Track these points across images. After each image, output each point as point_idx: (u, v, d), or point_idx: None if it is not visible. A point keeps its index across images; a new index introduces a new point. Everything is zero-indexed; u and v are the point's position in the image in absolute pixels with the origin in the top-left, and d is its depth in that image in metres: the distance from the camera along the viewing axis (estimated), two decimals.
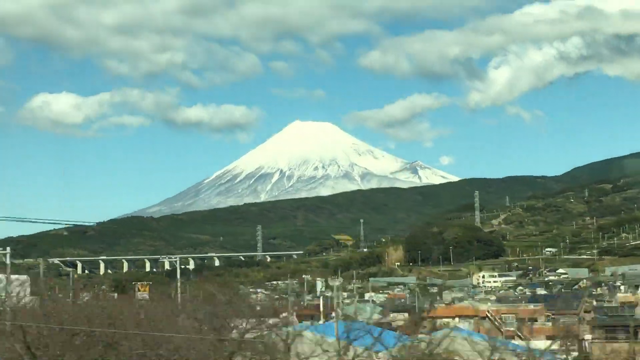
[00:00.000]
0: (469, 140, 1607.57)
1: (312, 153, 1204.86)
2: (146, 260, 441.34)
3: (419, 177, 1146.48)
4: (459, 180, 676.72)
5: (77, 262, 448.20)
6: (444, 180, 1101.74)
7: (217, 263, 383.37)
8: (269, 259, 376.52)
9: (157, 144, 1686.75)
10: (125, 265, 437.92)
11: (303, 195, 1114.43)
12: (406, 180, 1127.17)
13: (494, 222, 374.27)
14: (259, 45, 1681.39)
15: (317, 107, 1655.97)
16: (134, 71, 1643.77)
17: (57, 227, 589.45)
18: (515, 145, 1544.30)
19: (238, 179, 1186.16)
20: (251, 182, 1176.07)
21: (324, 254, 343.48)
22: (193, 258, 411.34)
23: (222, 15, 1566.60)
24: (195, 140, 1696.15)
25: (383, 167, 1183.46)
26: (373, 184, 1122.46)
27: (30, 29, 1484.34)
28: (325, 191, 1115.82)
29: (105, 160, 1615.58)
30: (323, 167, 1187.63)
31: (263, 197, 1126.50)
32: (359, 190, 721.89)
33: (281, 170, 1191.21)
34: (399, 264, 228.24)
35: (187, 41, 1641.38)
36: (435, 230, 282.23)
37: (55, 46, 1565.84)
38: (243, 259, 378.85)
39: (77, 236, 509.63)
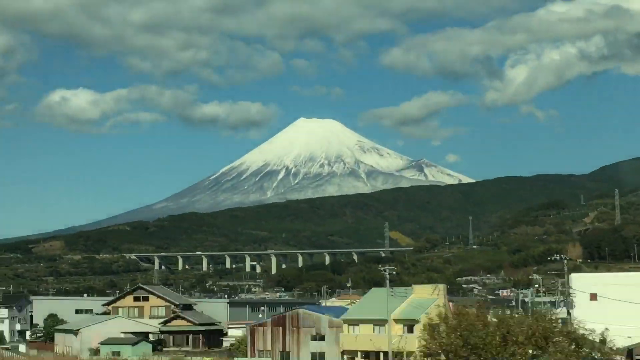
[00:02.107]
0: (481, 139, 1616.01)
1: (318, 150, 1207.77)
2: (226, 257, 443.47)
3: (425, 175, 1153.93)
4: (494, 179, 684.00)
5: (155, 257, 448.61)
6: (450, 178, 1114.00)
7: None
8: (382, 255, 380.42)
9: (168, 140, 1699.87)
10: (205, 261, 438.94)
11: (309, 192, 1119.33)
12: (412, 178, 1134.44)
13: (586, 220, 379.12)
14: (283, 44, 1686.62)
15: (332, 105, 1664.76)
16: (156, 69, 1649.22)
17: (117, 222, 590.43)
18: (528, 144, 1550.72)
19: (244, 176, 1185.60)
20: (257, 179, 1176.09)
21: (435, 250, 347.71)
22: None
23: (250, 14, 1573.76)
24: (205, 137, 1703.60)
25: (389, 165, 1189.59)
26: (379, 182, 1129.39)
27: (58, 26, 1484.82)
28: (332, 189, 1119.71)
29: (114, 156, 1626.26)
30: (329, 164, 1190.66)
31: (269, 194, 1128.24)
32: (400, 187, 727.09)
33: (287, 168, 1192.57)
34: (580, 260, 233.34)
35: (212, 39, 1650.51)
36: (608, 228, 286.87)
37: (80, 43, 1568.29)
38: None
39: (139, 232, 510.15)
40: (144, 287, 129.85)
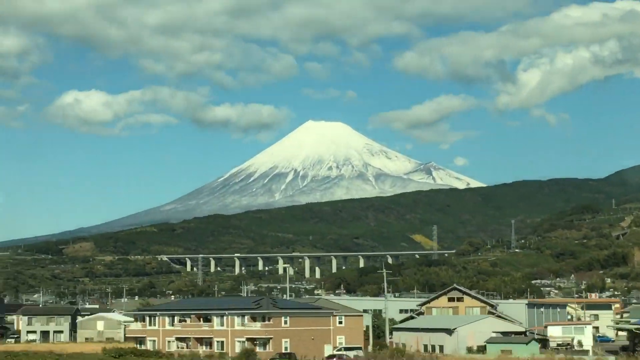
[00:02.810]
0: (491, 143, 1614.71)
1: (326, 153, 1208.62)
2: (259, 259, 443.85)
3: (433, 178, 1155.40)
4: (512, 183, 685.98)
5: (187, 259, 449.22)
6: (458, 182, 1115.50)
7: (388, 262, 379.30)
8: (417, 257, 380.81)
9: (177, 142, 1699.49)
10: (237, 263, 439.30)
11: (318, 195, 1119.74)
12: (420, 181, 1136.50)
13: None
14: (297, 47, 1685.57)
15: (344, 108, 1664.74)
16: (169, 71, 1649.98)
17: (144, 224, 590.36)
18: (539, 148, 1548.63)
19: (252, 178, 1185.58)
20: (265, 181, 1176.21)
21: (479, 253, 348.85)
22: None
23: (265, 17, 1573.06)
24: (215, 139, 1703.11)
25: (397, 168, 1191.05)
26: (387, 185, 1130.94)
27: (73, 27, 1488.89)
28: (340, 191, 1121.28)
29: (123, 157, 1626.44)
30: (337, 167, 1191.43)
31: (277, 197, 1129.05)
32: (420, 191, 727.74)
33: (295, 170, 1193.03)
34: None
35: (226, 42, 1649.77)
36: None
37: (95, 45, 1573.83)
38: (418, 257, 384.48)
39: (166, 233, 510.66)
40: (459, 288, 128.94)
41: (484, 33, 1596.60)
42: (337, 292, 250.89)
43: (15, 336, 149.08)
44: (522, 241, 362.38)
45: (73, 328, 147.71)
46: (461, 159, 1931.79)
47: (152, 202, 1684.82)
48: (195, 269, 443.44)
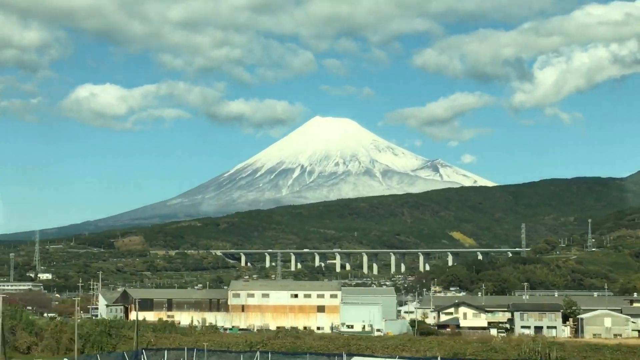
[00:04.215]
0: (503, 140, 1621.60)
1: (333, 149, 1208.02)
2: (316, 254, 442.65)
3: (440, 175, 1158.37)
4: (540, 181, 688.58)
5: (241, 254, 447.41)
6: (465, 179, 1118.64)
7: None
8: (509, 255, 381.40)
9: (188, 137, 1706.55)
10: (293, 258, 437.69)
11: (325, 191, 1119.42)
12: (427, 178, 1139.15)
13: None
14: (317, 43, 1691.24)
15: (359, 105, 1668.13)
16: (188, 66, 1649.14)
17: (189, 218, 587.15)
18: (548, 147, 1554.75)
19: (259, 173, 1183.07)
20: (272, 176, 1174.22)
21: (557, 252, 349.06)
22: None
23: (288, 13, 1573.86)
24: (224, 134, 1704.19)
25: (404, 165, 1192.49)
26: (394, 181, 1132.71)
27: (95, 22, 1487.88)
28: (347, 187, 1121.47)
29: (132, 152, 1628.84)
30: (344, 163, 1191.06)
31: (284, 192, 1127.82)
32: (450, 188, 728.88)
33: (302, 166, 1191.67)
34: None
35: (247, 37, 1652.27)
36: None
37: (116, 40, 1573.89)
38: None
39: (210, 228, 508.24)
40: None
41: (504, 31, 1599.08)
42: (451, 289, 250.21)
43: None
44: (600, 240, 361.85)
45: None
46: (469, 156, 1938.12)
47: (159, 196, 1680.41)
48: (249, 263, 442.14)
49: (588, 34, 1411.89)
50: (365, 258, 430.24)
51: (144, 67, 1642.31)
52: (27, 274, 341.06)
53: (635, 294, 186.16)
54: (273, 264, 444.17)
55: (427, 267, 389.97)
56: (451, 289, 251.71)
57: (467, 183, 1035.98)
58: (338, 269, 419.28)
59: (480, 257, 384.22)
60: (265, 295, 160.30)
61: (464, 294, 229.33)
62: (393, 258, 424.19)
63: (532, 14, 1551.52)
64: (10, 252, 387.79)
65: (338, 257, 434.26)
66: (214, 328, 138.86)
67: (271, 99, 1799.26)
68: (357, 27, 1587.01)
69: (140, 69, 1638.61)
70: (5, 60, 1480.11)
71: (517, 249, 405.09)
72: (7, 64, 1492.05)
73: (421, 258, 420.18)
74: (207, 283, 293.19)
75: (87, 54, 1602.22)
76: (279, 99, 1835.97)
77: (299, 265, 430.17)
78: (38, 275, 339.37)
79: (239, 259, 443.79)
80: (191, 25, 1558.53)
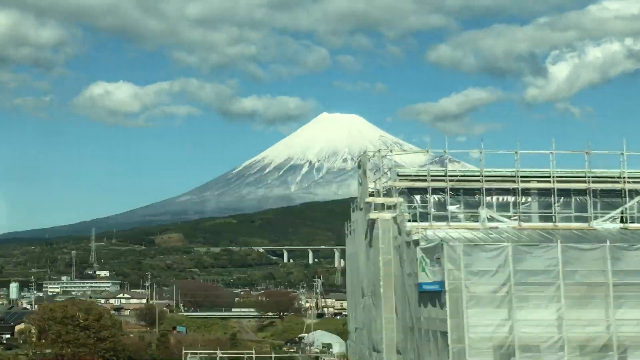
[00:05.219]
0: (513, 135, 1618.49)
1: (340, 145, 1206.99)
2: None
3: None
4: None
5: (284, 251, 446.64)
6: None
7: None
8: None
9: (198, 133, 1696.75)
10: (337, 255, 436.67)
11: (334, 187, 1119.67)
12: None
13: None
14: (332, 40, 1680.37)
15: (369, 100, 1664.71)
16: (202, 63, 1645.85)
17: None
18: (559, 141, 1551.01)
19: (267, 170, 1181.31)
20: (280, 173, 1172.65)
21: None
22: None
23: (304, 9, 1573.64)
24: (234, 131, 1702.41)
25: (411, 161, 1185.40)
26: None
27: (111, 19, 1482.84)
28: (356, 183, 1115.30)
29: (144, 148, 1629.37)
30: (352, 159, 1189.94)
31: (293, 189, 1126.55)
32: None
33: (310, 162, 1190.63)
34: None
35: (263, 34, 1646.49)
36: None
37: (131, 37, 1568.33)
38: None
39: (246, 225, 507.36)
40: None
41: (519, 26, 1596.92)
42: None
43: None
44: None
45: None
46: (477, 151, 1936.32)
47: (167, 193, 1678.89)
48: (291, 260, 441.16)
49: (603, 29, 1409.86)
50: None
51: (158, 65, 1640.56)
52: (85, 272, 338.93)
53: None
54: (316, 260, 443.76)
55: None
56: None
57: None
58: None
59: None
60: None
61: None
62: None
63: (548, 9, 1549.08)
64: (62, 249, 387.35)
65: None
66: None
67: (283, 95, 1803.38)
68: (373, 23, 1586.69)
69: (154, 66, 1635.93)
70: (21, 59, 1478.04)
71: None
72: (22, 62, 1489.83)
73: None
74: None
75: (102, 52, 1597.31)
76: (292, 95, 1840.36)
77: (342, 262, 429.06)
78: (96, 273, 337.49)
79: (281, 256, 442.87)
80: (208, 22, 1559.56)
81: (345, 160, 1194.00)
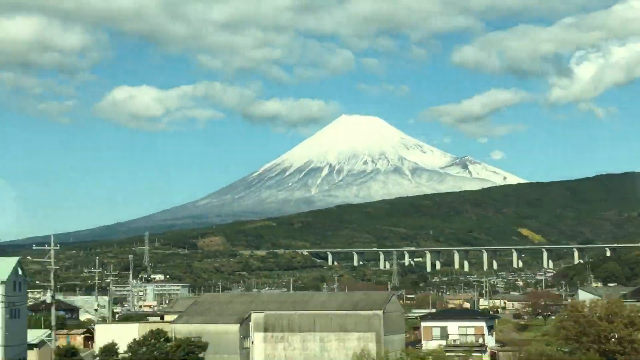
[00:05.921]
0: (536, 136, 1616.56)
1: (360, 147, 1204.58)
2: (405, 253, 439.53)
3: (469, 172, 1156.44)
4: (595, 176, 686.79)
5: (328, 253, 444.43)
6: (495, 176, 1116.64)
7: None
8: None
9: (219, 136, 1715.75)
10: (382, 257, 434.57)
11: (354, 189, 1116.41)
12: (457, 175, 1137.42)
13: None
14: (357, 42, 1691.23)
15: (393, 102, 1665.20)
16: (226, 66, 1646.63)
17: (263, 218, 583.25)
18: (583, 142, 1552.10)
19: (287, 173, 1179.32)
20: (301, 175, 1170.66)
21: None
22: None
23: (329, 12, 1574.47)
24: (256, 134, 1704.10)
25: (432, 162, 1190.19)
26: (424, 179, 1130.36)
27: (137, 24, 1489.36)
28: (376, 186, 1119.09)
29: (165, 152, 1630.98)
30: (372, 161, 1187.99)
31: (314, 191, 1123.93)
32: (507, 185, 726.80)
33: (330, 165, 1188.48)
34: None
35: (288, 37, 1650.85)
36: None
37: (156, 42, 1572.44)
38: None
39: (285, 227, 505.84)
40: None
41: (544, 27, 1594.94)
42: (609, 284, 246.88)
43: None
44: None
45: None
46: (498, 152, 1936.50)
47: (188, 197, 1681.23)
48: (335, 262, 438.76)
49: (629, 28, 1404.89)
50: (457, 255, 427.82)
51: (181, 68, 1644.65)
52: (140, 276, 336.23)
53: None
54: (361, 262, 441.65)
55: (551, 264, 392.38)
56: (609, 284, 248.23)
57: (497, 180, 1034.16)
58: (429, 268, 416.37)
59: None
60: None
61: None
62: (485, 255, 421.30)
63: (573, 9, 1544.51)
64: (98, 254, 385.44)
65: (428, 255, 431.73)
66: None
67: (306, 98, 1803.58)
68: (398, 25, 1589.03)
69: (178, 70, 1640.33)
70: (47, 64, 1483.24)
71: (614, 245, 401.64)
72: (48, 67, 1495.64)
73: (514, 254, 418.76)
74: None
75: (125, 56, 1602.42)
76: (315, 98, 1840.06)
77: (387, 265, 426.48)
78: (152, 276, 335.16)
79: (325, 258, 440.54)
80: (233, 26, 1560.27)
81: (365, 162, 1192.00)
